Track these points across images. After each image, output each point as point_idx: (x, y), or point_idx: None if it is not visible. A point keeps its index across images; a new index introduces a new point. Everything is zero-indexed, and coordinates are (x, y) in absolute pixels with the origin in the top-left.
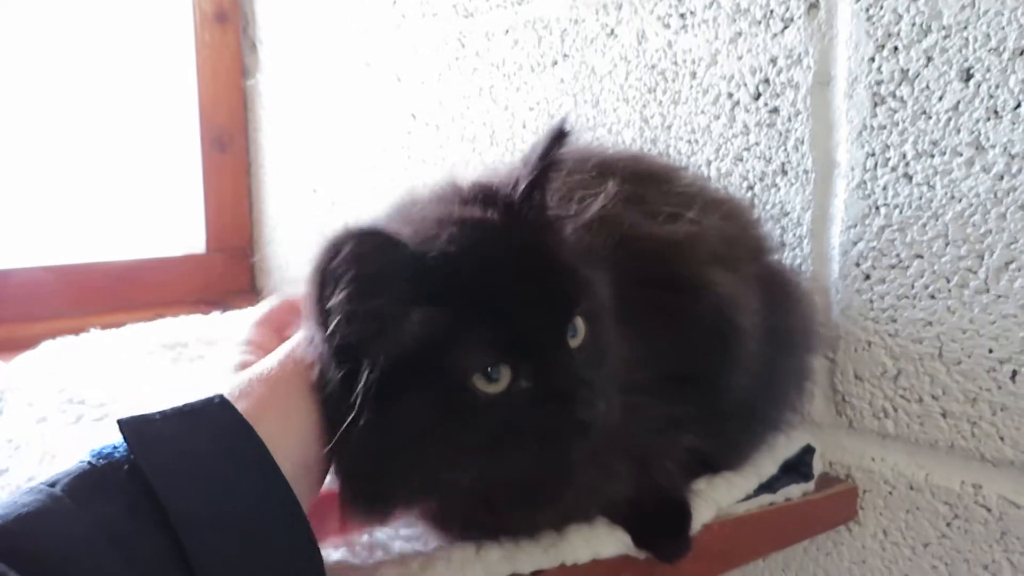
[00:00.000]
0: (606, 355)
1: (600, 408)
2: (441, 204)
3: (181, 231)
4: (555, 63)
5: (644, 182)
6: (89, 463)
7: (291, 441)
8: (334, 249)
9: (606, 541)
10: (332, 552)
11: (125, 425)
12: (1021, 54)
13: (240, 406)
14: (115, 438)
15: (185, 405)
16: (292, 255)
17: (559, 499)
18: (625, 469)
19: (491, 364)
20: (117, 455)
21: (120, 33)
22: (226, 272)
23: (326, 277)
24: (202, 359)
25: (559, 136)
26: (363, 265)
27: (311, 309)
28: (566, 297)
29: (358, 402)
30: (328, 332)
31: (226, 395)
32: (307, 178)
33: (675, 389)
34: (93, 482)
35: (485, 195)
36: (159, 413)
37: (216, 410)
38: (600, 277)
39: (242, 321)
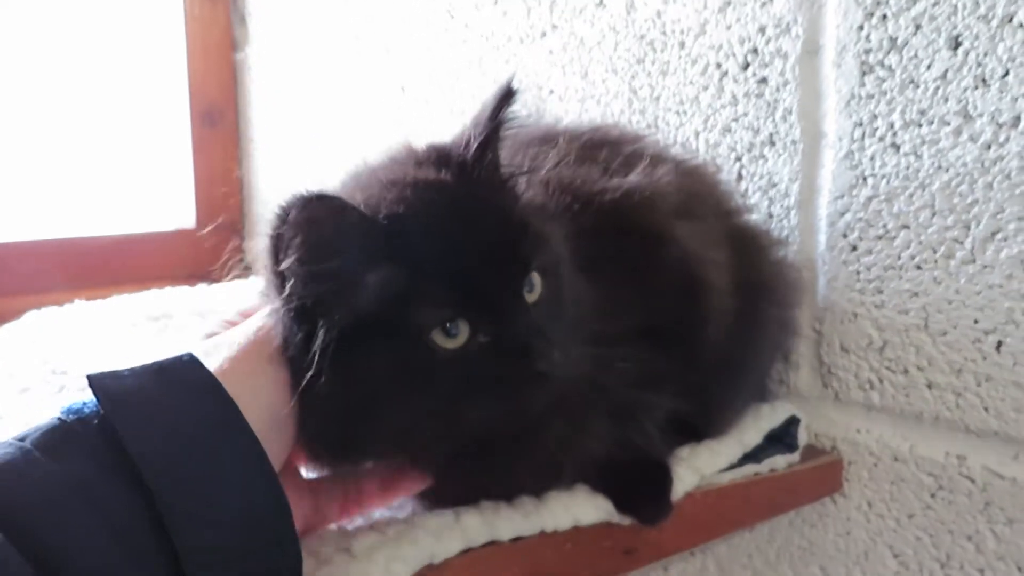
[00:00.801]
0: (566, 308)
1: (557, 358)
2: (395, 167)
3: (171, 206)
4: (544, 34)
5: (600, 145)
6: (59, 419)
7: (259, 400)
8: (284, 214)
9: (587, 507)
10: None
11: (95, 380)
12: (1010, 21)
13: (208, 364)
14: (85, 396)
15: (154, 363)
16: None
17: (529, 451)
18: (599, 424)
19: (448, 319)
20: (87, 411)
21: (110, 6)
22: (215, 247)
23: (278, 242)
24: (187, 330)
25: (507, 95)
26: (312, 229)
27: (267, 274)
28: (520, 253)
29: (315, 360)
30: (284, 295)
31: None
32: (297, 152)
33: (647, 346)
34: (63, 437)
35: (438, 156)
36: (128, 370)
37: (185, 367)
38: (557, 232)
39: (231, 301)
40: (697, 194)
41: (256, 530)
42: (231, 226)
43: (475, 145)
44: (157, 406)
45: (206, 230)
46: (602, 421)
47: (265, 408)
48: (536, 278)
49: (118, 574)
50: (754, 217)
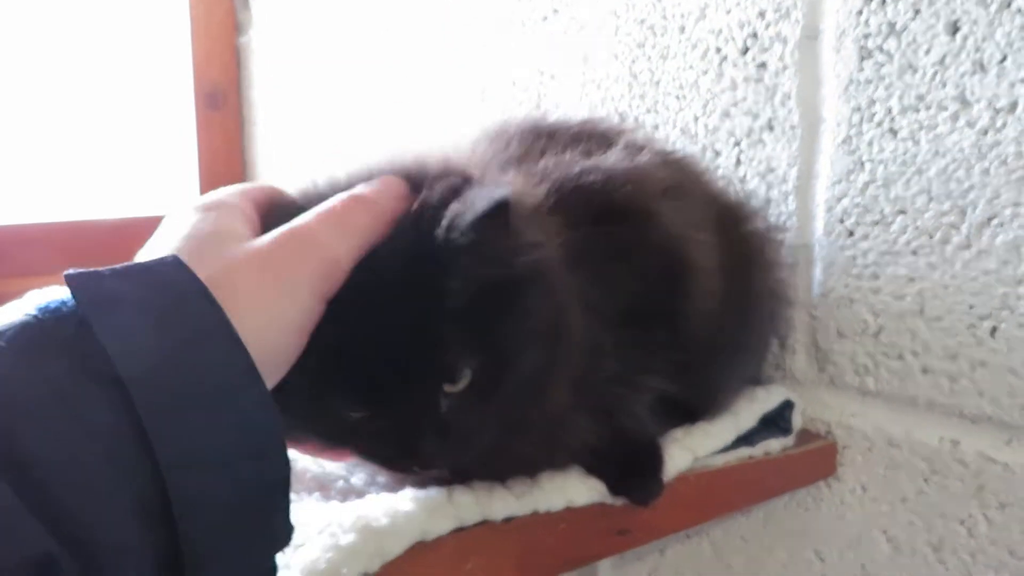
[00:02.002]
0: (519, 385)
1: (435, 463)
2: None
3: (175, 190)
4: (545, 18)
5: (588, 137)
6: (34, 316)
7: (271, 335)
8: None
9: (580, 489)
10: (305, 495)
11: (72, 279)
12: (1008, 6)
13: (203, 274)
14: (62, 293)
15: (135, 263)
16: None
17: (510, 450)
18: (585, 420)
19: (347, 408)
20: (64, 310)
21: None
22: None
23: None
24: None
25: (496, 210)
26: None
27: None
28: (439, 353)
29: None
30: None
31: (191, 262)
32: (300, 135)
33: (636, 330)
34: (37, 335)
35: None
36: (108, 270)
37: (169, 270)
38: (554, 284)
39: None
40: (682, 180)
41: (242, 440)
42: None
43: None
44: (137, 307)
45: None
46: (587, 417)
47: (270, 342)
48: (466, 372)
49: (97, 479)
50: (749, 200)
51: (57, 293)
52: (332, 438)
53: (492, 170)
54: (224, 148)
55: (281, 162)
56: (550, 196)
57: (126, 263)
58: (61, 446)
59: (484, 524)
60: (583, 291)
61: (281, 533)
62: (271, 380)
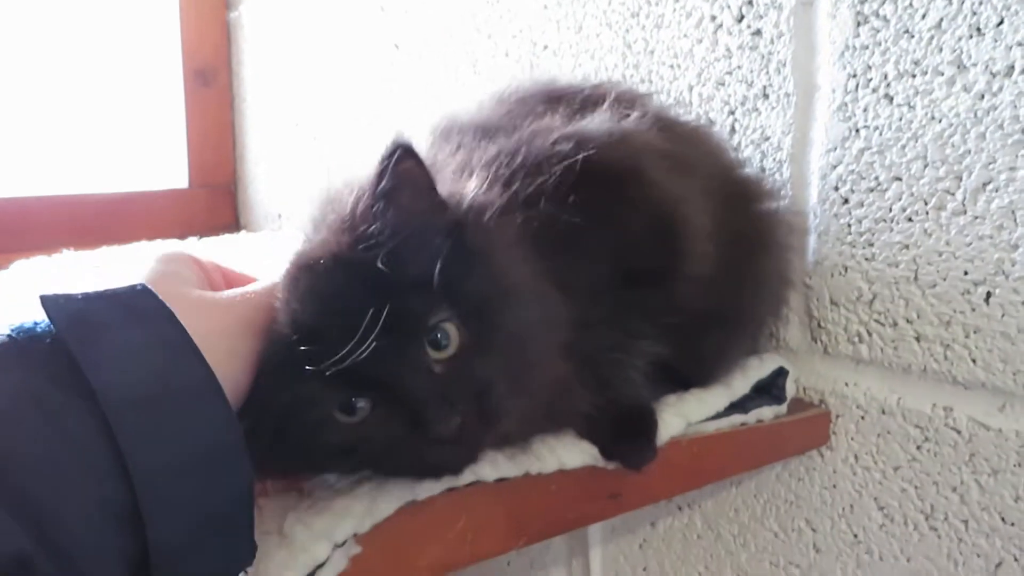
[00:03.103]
0: (507, 339)
1: (454, 422)
2: (322, 240)
3: (165, 166)
4: None
5: (598, 102)
6: (9, 336)
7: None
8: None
9: (572, 452)
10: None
11: (47, 301)
12: None
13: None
14: (36, 316)
15: (106, 289)
16: (274, 190)
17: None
18: (580, 388)
19: (343, 401)
20: (39, 330)
21: None
22: (209, 208)
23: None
24: None
25: (391, 155)
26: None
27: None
28: (410, 318)
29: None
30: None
31: (161, 293)
32: (290, 112)
33: (629, 293)
34: (13, 353)
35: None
36: (81, 294)
37: (138, 296)
38: (503, 250)
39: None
40: (684, 150)
41: (208, 450)
42: (224, 186)
43: (360, 213)
44: (109, 328)
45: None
46: (583, 385)
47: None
48: (449, 328)
49: (72, 483)
50: (749, 171)
51: (30, 315)
52: (336, 466)
53: (463, 147)
54: (215, 126)
55: (271, 138)
56: (516, 174)
57: (97, 289)
58: (37, 450)
59: (475, 485)
60: (567, 263)
61: (245, 546)
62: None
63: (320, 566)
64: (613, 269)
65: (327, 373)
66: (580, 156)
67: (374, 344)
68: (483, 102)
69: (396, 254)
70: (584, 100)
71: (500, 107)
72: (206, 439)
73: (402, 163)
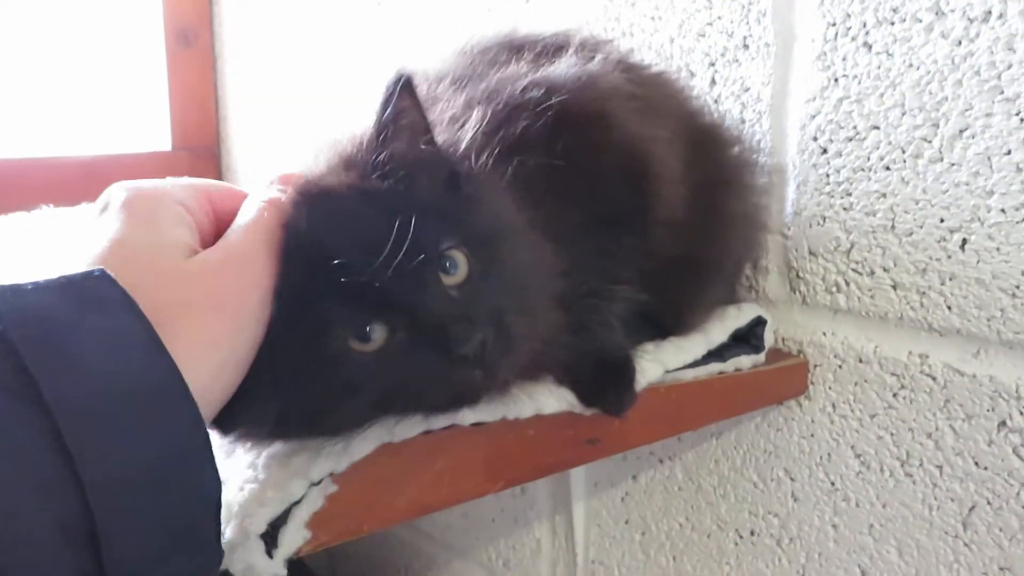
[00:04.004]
0: (509, 275)
1: (476, 339)
2: (328, 173)
3: (148, 128)
4: None
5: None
6: None
7: (222, 379)
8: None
9: (549, 398)
10: None
11: None
12: None
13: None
14: None
15: (61, 277)
16: (258, 152)
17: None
18: (559, 334)
19: (359, 326)
20: None
21: None
22: (192, 170)
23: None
24: None
25: (395, 87)
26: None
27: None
28: (423, 239)
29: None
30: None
31: (120, 272)
32: (272, 73)
33: (603, 238)
34: None
35: (347, 160)
36: (32, 283)
37: (96, 283)
38: (495, 196)
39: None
40: (650, 95)
41: (170, 466)
42: (207, 148)
43: (367, 143)
44: (62, 324)
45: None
46: (561, 335)
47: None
48: (457, 255)
49: (19, 500)
50: (718, 118)
51: None
52: (354, 408)
53: (446, 91)
54: (197, 87)
55: (253, 100)
56: (491, 121)
57: (49, 277)
58: None
59: (452, 428)
60: (547, 211)
61: (212, 559)
62: (216, 403)
63: (296, 503)
64: (588, 215)
65: (350, 292)
66: (553, 101)
67: (397, 263)
68: (445, 56)
69: (406, 181)
70: (545, 47)
71: (463, 59)
72: (168, 447)
73: (403, 98)
